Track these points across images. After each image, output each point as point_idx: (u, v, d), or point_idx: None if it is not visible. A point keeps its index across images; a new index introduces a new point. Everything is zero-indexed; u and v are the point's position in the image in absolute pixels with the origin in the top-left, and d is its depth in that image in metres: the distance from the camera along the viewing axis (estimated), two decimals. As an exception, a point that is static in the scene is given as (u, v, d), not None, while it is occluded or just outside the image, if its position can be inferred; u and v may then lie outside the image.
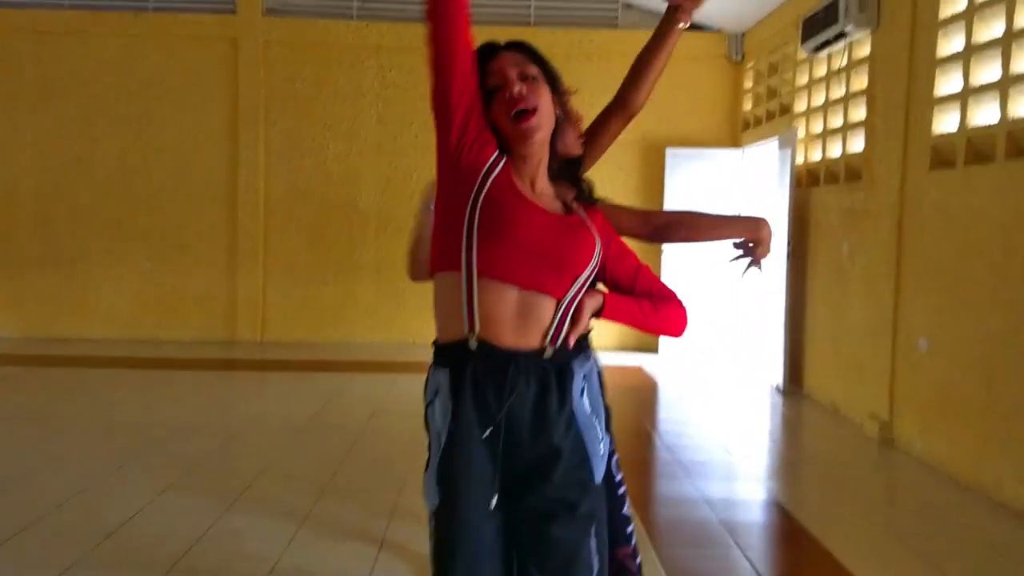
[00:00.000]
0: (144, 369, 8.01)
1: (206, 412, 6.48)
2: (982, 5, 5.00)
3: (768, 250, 2.24)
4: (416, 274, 2.44)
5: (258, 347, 9.42)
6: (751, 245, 2.22)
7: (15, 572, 3.41)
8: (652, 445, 5.87)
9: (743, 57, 9.55)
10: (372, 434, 5.79)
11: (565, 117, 1.93)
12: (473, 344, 1.75)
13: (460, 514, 1.79)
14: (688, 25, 2.29)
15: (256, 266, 9.57)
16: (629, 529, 2.40)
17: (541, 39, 8.62)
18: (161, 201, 9.58)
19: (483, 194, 1.77)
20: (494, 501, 1.79)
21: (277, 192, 9.61)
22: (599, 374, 2.14)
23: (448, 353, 1.81)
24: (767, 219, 2.30)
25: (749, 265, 2.27)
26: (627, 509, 2.42)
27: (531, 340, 1.77)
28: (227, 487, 4.52)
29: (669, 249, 9.39)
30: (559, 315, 1.78)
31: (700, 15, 9.28)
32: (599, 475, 1.86)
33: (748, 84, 9.43)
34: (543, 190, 1.88)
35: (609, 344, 9.70)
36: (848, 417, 6.48)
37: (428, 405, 1.85)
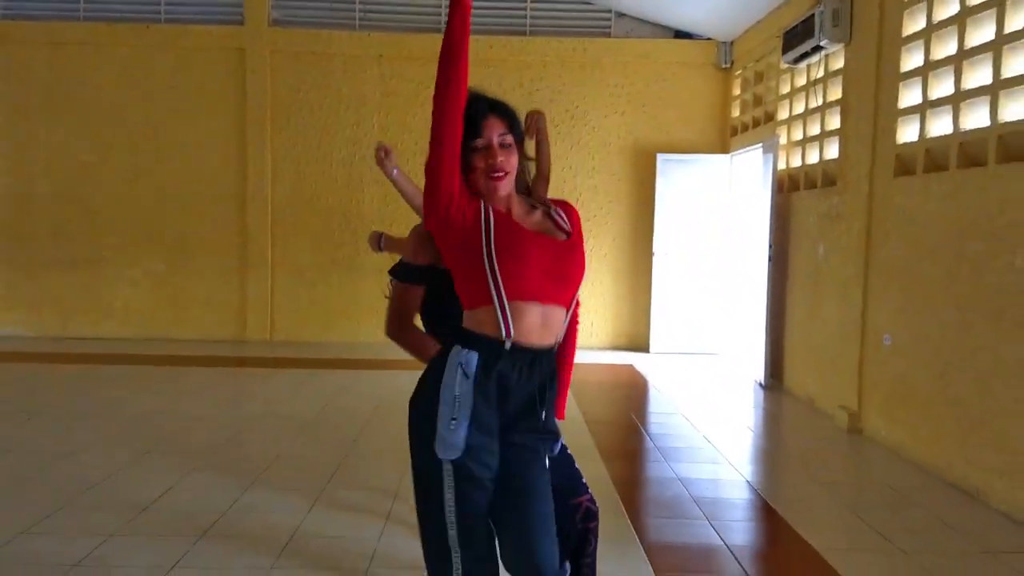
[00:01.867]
0: (158, 366, 8.42)
1: (219, 405, 6.89)
2: (939, 24, 5.41)
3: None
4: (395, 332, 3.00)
5: (267, 346, 9.83)
6: None
7: (63, 541, 3.82)
8: (638, 435, 6.27)
9: (732, 65, 9.93)
10: (376, 426, 6.20)
11: (524, 159, 2.38)
12: (508, 345, 2.18)
13: (483, 465, 2.19)
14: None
15: (264, 268, 9.99)
16: (583, 480, 2.92)
17: (536, 47, 9.20)
18: (172, 205, 10.00)
19: (492, 240, 2.17)
20: (496, 457, 2.24)
21: (284, 196, 10.03)
22: None
23: (482, 343, 2.19)
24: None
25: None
26: (575, 466, 2.92)
27: (548, 340, 2.25)
28: (246, 470, 4.95)
29: (659, 263, 9.81)
30: (567, 320, 2.30)
31: (692, 23, 9.70)
32: (558, 445, 2.40)
33: (736, 91, 9.82)
34: (520, 212, 2.30)
35: (602, 343, 10.13)
36: (822, 409, 6.90)
37: (448, 372, 2.20)
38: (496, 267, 2.16)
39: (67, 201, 9.97)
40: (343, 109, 10.01)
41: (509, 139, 2.26)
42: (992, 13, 4.86)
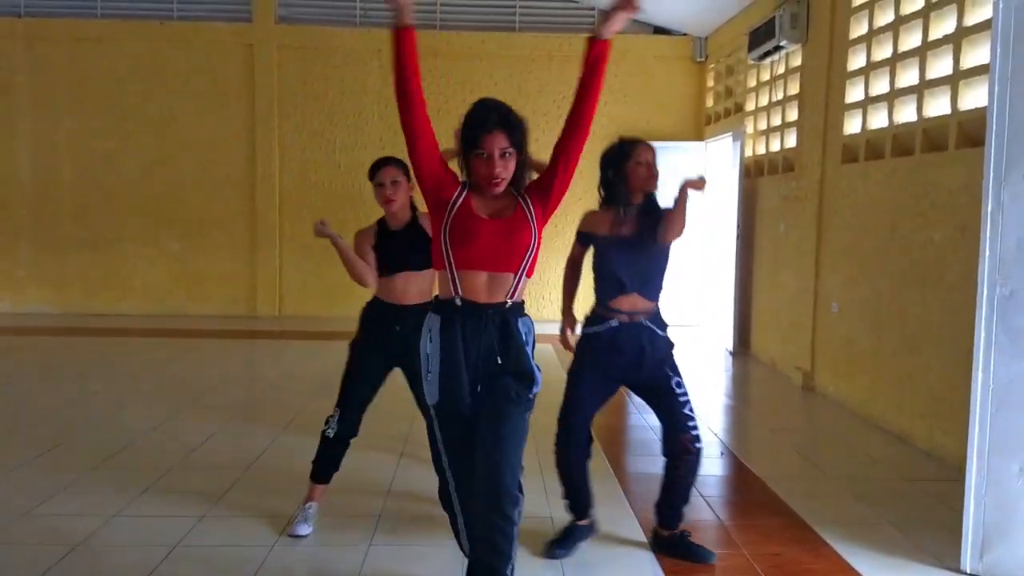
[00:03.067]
0: (177, 338, 9.16)
1: (238, 371, 7.65)
2: (878, 29, 6.17)
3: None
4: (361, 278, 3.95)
5: (276, 320, 10.59)
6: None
7: (127, 477, 4.57)
8: (618, 394, 7.03)
9: (706, 58, 10.67)
10: (386, 384, 6.94)
11: (526, 163, 2.78)
12: (459, 302, 2.69)
13: (456, 402, 2.76)
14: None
15: (273, 248, 10.74)
16: (690, 423, 3.61)
17: (525, 43, 10.13)
18: (187, 190, 10.73)
19: (450, 221, 2.67)
20: (479, 387, 2.76)
21: (291, 181, 10.76)
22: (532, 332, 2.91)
23: (441, 305, 2.75)
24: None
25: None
26: (688, 409, 3.62)
27: (498, 298, 2.71)
28: (274, 421, 5.72)
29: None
30: (516, 282, 2.72)
31: (670, 20, 10.40)
32: (536, 387, 2.80)
33: (710, 83, 10.56)
34: (502, 201, 2.73)
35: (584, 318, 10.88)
36: (781, 371, 7.71)
37: (423, 337, 2.77)
38: (449, 245, 2.67)
39: (89, 186, 10.69)
40: (345, 100, 10.73)
41: (510, 150, 2.65)
42: (920, 22, 5.61)
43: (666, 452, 3.69)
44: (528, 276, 2.74)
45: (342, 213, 10.71)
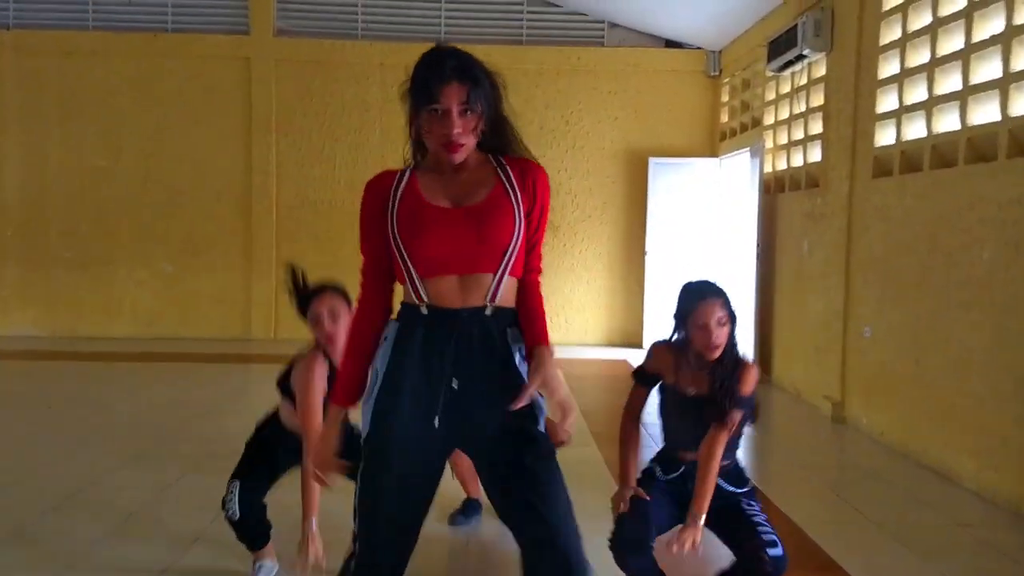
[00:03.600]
0: (166, 362, 8.71)
1: (225, 399, 7.18)
2: (913, 34, 5.75)
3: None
4: None
5: (271, 343, 10.13)
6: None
7: (76, 526, 4.11)
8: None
9: (720, 72, 10.27)
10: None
11: (499, 119, 2.13)
12: (424, 310, 2.07)
13: (387, 438, 2.07)
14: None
15: (269, 268, 10.30)
16: (765, 536, 2.88)
17: (532, 56, 9.61)
18: (180, 208, 10.30)
19: (395, 214, 2.08)
20: (436, 420, 2.05)
21: (288, 199, 10.33)
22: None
23: (404, 310, 2.12)
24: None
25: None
26: (761, 521, 2.94)
27: (474, 301, 2.06)
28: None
29: (652, 252, 10.12)
30: (495, 281, 2.06)
31: (681, 33, 10.03)
32: (543, 414, 2.15)
33: (724, 98, 10.16)
34: (472, 177, 2.11)
35: (597, 340, 10.45)
36: (807, 400, 7.22)
37: (377, 352, 2.12)
38: (401, 245, 2.07)
39: (79, 204, 10.26)
40: (346, 115, 10.33)
41: (473, 107, 2.02)
42: (961, 24, 5.19)
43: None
44: (515, 275, 2.12)
45: (342, 232, 10.28)
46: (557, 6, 10.40)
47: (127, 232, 10.29)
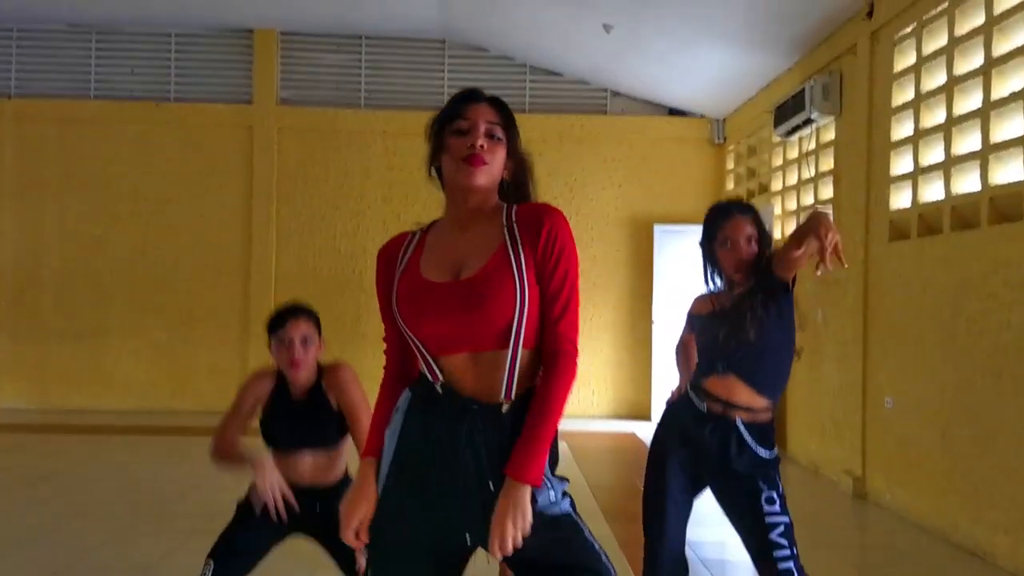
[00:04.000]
0: (158, 436, 8.40)
1: (215, 474, 6.85)
2: (928, 93, 5.61)
3: (825, 242, 2.48)
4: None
5: (267, 416, 9.82)
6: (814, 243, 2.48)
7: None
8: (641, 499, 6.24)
9: (725, 140, 10.19)
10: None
11: (521, 173, 2.05)
12: (440, 389, 1.91)
13: (395, 530, 1.93)
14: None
15: (265, 340, 10.00)
16: (778, 553, 2.79)
17: (535, 124, 9.46)
18: (178, 277, 10.10)
19: (397, 300, 1.95)
20: (467, 537, 1.90)
21: (288, 267, 10.14)
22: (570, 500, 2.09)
23: (420, 384, 1.97)
24: (822, 213, 2.60)
25: (817, 265, 2.51)
26: (778, 535, 2.80)
27: (491, 386, 1.87)
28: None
29: (659, 331, 9.88)
30: (509, 365, 1.87)
31: (685, 102, 9.98)
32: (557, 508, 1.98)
33: (730, 165, 10.05)
34: (478, 231, 1.96)
35: (603, 412, 10.14)
36: (826, 475, 6.89)
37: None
38: (407, 328, 1.94)
39: (75, 274, 10.08)
40: (347, 183, 10.21)
41: (500, 132, 1.96)
42: (979, 81, 5.04)
43: None
44: (528, 348, 1.89)
45: (342, 301, 10.09)
46: (559, 75, 10.38)
47: (122, 301, 10.07)
